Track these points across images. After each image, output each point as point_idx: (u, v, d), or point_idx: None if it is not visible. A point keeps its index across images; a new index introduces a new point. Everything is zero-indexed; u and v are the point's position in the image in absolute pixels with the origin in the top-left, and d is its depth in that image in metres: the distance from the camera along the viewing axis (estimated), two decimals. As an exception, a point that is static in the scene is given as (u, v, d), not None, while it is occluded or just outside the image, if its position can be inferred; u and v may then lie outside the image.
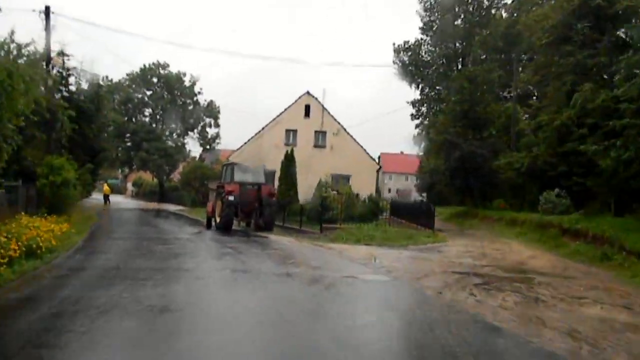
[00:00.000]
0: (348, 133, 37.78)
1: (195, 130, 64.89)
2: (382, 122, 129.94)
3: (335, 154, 36.76)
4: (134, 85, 60.66)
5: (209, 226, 25.09)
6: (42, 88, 23.15)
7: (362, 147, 37.70)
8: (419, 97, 60.39)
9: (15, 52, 21.76)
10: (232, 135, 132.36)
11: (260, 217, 23.50)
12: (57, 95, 29.40)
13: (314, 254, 15.70)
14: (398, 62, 58.99)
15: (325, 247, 17.27)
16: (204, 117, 64.46)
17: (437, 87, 59.65)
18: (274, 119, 37.83)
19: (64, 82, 29.64)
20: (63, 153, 26.25)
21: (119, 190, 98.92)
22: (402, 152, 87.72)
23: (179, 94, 62.36)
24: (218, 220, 23.57)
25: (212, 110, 64.08)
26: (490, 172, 30.79)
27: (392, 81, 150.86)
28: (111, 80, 60.36)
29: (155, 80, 61.68)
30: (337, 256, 15.44)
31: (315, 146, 37.50)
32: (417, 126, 60.82)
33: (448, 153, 31.99)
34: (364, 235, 19.57)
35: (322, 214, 25.66)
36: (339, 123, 37.71)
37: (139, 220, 30.82)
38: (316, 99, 37.72)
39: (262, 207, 23.38)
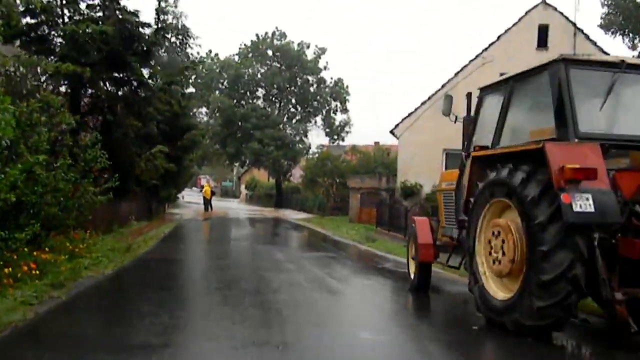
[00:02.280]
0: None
1: (319, 117, 48.60)
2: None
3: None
4: (245, 60, 45.48)
5: (421, 287, 7.82)
6: None
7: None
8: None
9: None
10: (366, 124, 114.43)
11: None
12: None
13: None
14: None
15: None
16: (330, 100, 47.83)
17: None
18: (478, 56, 19.80)
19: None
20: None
21: (233, 193, 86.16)
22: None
23: (299, 70, 46.29)
24: (502, 294, 5.77)
25: (339, 92, 47.26)
26: None
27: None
28: (217, 56, 46.30)
29: (270, 53, 46.22)
30: None
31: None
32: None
33: None
34: None
35: None
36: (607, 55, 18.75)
37: (225, 256, 13.36)
38: (561, 14, 19.19)
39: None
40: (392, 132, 20.78)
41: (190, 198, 46.37)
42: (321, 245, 16.78)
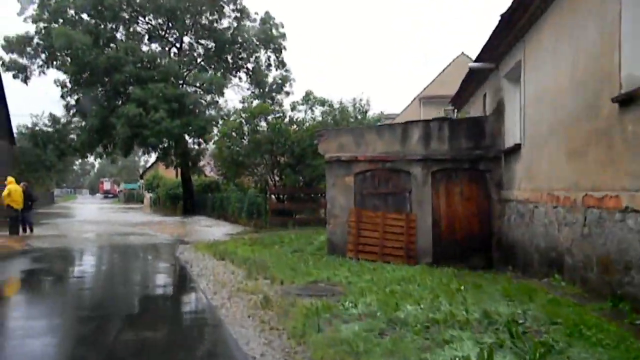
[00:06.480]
0: None
1: (242, 72, 31.05)
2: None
3: None
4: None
5: None
6: None
7: None
8: None
9: None
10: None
11: None
12: None
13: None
14: None
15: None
16: (257, 47, 30.28)
17: None
18: None
19: None
20: None
21: (140, 198, 66.21)
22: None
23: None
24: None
25: (269, 34, 29.82)
26: None
27: None
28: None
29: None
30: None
31: None
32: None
33: None
34: None
35: None
36: None
37: None
38: None
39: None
40: None
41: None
42: None
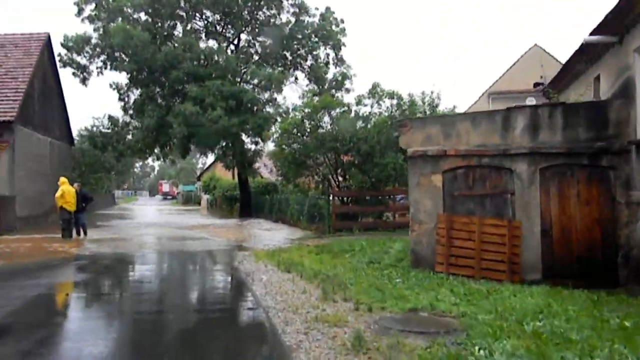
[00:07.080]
0: None
1: (300, 67, 29.78)
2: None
3: None
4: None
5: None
6: None
7: None
8: None
9: None
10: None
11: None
12: None
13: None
14: None
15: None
16: (317, 43, 28.89)
17: None
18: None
19: None
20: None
21: (198, 200, 66.51)
22: None
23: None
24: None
25: (329, 30, 28.40)
26: None
27: None
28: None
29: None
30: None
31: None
32: None
33: None
34: None
35: None
36: None
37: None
38: None
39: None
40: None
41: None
42: None
